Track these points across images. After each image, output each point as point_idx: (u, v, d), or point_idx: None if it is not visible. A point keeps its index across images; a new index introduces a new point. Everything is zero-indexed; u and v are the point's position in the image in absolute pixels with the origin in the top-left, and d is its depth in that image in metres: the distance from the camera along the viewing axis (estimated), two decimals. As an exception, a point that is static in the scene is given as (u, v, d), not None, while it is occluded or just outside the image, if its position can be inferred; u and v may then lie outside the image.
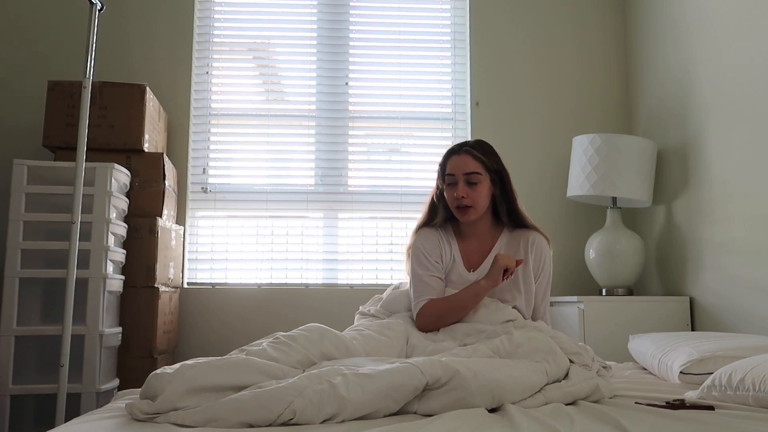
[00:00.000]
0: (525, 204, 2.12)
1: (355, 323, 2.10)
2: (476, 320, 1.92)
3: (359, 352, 1.67)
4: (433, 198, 2.13)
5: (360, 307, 2.17)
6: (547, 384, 1.53)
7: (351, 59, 3.55)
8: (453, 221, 2.13)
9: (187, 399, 1.29)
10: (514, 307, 1.99)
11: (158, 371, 1.34)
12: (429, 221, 2.13)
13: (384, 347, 1.75)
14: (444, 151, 2.10)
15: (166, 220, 2.89)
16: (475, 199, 2.00)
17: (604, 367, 1.79)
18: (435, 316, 1.96)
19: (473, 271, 2.05)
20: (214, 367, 1.36)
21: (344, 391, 1.29)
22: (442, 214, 2.11)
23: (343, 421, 1.27)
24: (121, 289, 2.67)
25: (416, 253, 2.07)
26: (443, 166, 2.06)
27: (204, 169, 3.42)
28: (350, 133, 3.51)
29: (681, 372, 1.90)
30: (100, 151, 2.72)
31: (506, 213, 2.07)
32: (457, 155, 2.03)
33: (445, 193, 2.06)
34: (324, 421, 1.26)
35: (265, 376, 1.40)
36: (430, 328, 1.95)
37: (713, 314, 2.80)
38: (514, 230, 2.09)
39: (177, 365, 1.37)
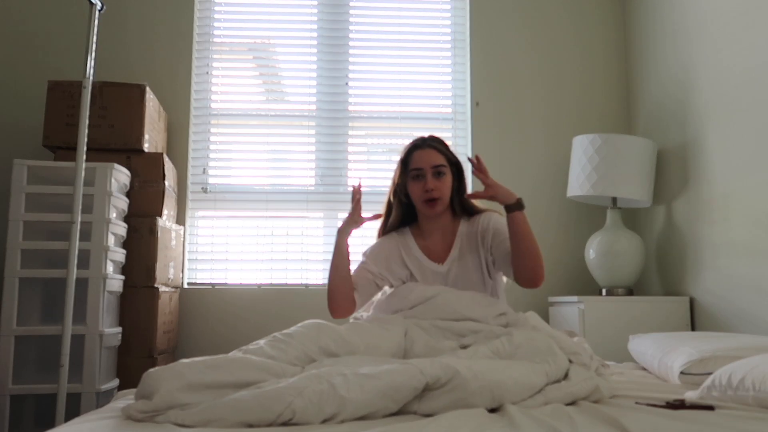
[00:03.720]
0: (526, 204, 2.11)
1: None
2: (469, 317, 1.88)
3: (357, 344, 1.66)
4: (389, 198, 2.16)
5: (350, 318, 2.15)
6: (547, 384, 1.53)
7: (351, 59, 3.55)
8: (408, 223, 2.15)
9: (184, 395, 1.29)
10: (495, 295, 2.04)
11: (152, 370, 1.34)
12: (385, 224, 2.16)
13: (383, 340, 1.74)
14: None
15: (166, 220, 2.89)
16: (442, 190, 2.05)
17: (602, 365, 1.78)
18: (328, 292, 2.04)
19: (442, 263, 2.07)
20: (209, 365, 1.37)
21: (344, 391, 1.29)
22: (398, 212, 2.14)
23: (342, 421, 1.27)
24: (121, 289, 2.67)
25: (364, 253, 2.14)
26: (406, 161, 2.08)
27: (204, 169, 3.42)
28: (350, 133, 3.51)
29: (681, 372, 1.90)
30: (100, 151, 2.73)
31: (459, 203, 2.12)
32: (423, 149, 2.08)
33: (409, 187, 2.08)
34: (324, 421, 1.26)
35: (262, 372, 1.40)
36: (337, 306, 2.04)
37: (713, 314, 2.80)
38: (469, 218, 2.13)
39: (172, 363, 1.37)
